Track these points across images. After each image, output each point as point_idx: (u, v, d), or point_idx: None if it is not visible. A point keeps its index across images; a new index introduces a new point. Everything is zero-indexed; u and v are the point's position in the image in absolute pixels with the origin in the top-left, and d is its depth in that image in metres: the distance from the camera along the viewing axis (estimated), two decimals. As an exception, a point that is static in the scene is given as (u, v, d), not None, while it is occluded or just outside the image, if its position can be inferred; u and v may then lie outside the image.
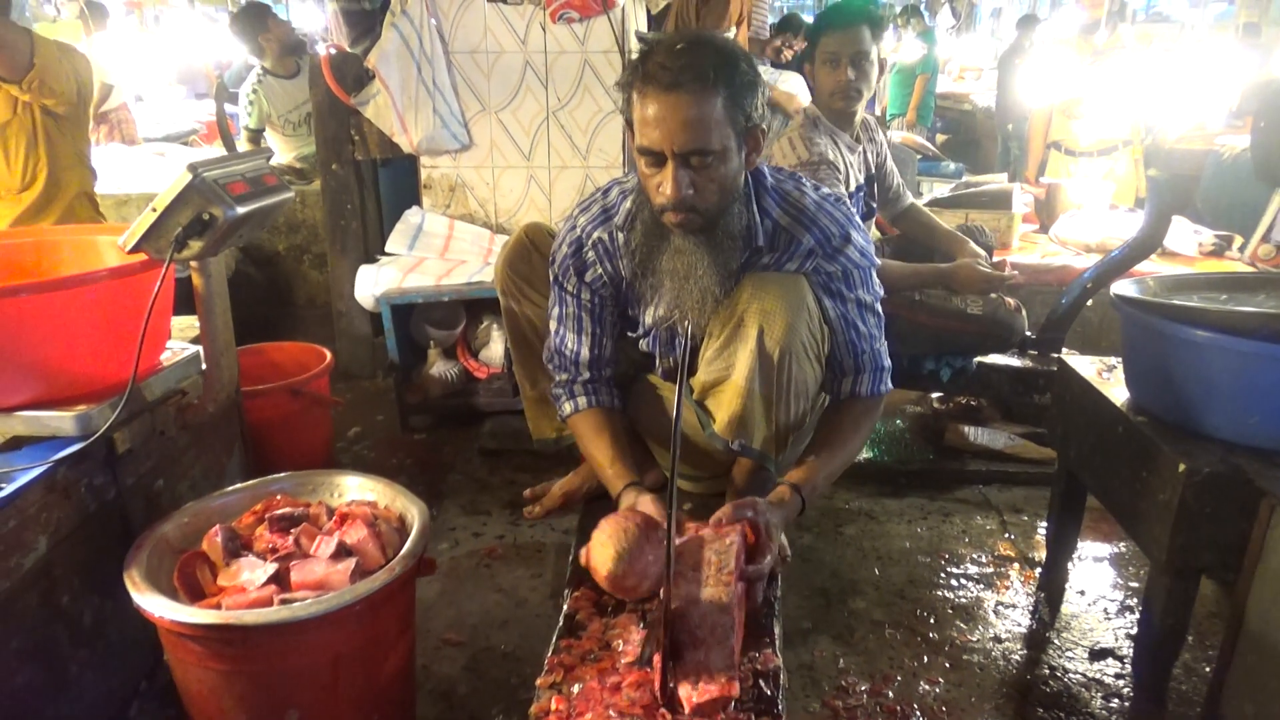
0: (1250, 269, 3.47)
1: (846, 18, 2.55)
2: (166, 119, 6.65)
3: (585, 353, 1.86)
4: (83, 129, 3.04)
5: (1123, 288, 1.84)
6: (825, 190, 1.77)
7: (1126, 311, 1.80)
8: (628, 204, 1.74)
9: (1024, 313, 2.82)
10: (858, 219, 1.78)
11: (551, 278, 1.87)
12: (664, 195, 1.54)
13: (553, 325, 1.90)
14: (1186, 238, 3.57)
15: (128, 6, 8.67)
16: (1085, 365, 2.05)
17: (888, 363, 1.82)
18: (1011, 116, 6.73)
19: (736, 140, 1.55)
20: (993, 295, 2.75)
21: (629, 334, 1.91)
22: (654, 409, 1.97)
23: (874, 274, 1.80)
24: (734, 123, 1.52)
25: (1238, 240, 3.63)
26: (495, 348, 3.25)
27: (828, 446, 1.74)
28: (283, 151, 4.64)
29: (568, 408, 1.89)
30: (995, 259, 2.92)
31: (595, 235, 1.79)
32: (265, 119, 4.56)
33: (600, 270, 1.81)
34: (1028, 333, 2.87)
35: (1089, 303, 2.92)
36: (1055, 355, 2.80)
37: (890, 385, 1.83)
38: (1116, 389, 1.90)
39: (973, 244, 2.86)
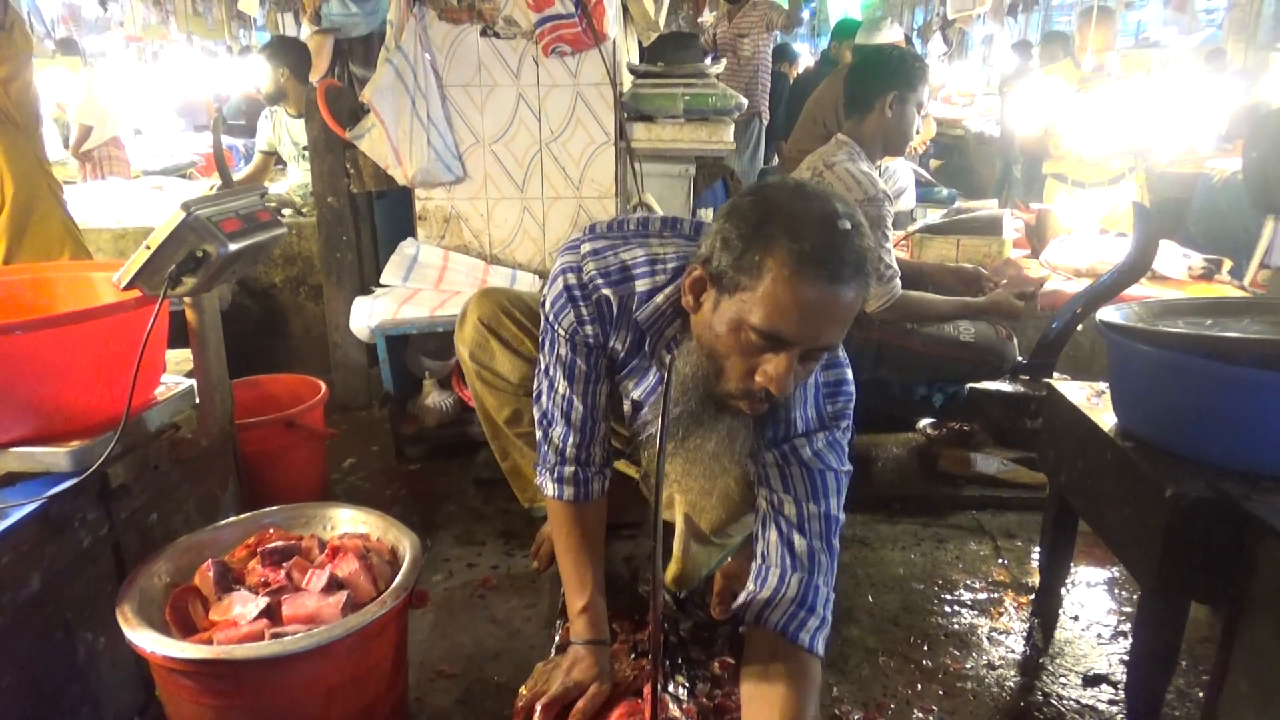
0: (1241, 293, 3.50)
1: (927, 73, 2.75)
2: (165, 152, 6.71)
3: (572, 437, 1.69)
4: (39, 145, 3.07)
5: (1108, 314, 1.85)
6: (837, 373, 1.57)
7: (1112, 337, 1.81)
8: (659, 299, 1.52)
9: (1015, 340, 2.84)
10: (844, 427, 1.58)
11: (544, 327, 1.67)
12: (763, 383, 1.32)
13: (541, 385, 1.70)
14: (1176, 261, 3.59)
15: (127, 41, 8.76)
16: (1074, 390, 2.07)
17: (826, 613, 1.50)
18: (1018, 141, 6.77)
19: None
20: (984, 323, 2.79)
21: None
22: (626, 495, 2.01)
23: (831, 484, 1.54)
24: None
25: (1227, 264, 3.66)
26: (490, 377, 3.26)
27: None
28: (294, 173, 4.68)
29: (550, 489, 1.74)
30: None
31: (604, 292, 1.56)
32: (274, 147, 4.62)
33: (595, 330, 1.60)
34: (1019, 358, 2.88)
35: (1079, 327, 2.93)
36: (1046, 380, 2.81)
37: (821, 650, 1.48)
38: (1105, 414, 1.91)
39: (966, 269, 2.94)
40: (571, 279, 1.57)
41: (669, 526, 1.91)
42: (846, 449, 1.57)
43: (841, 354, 1.56)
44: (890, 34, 5.22)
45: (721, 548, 1.90)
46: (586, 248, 1.58)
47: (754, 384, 1.33)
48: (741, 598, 1.53)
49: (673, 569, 1.88)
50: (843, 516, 1.56)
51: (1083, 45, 4.60)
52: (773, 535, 1.52)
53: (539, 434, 1.74)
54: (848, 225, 1.26)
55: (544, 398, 1.70)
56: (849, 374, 1.58)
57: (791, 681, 1.43)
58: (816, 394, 1.54)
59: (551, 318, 1.62)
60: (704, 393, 1.40)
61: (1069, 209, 4.47)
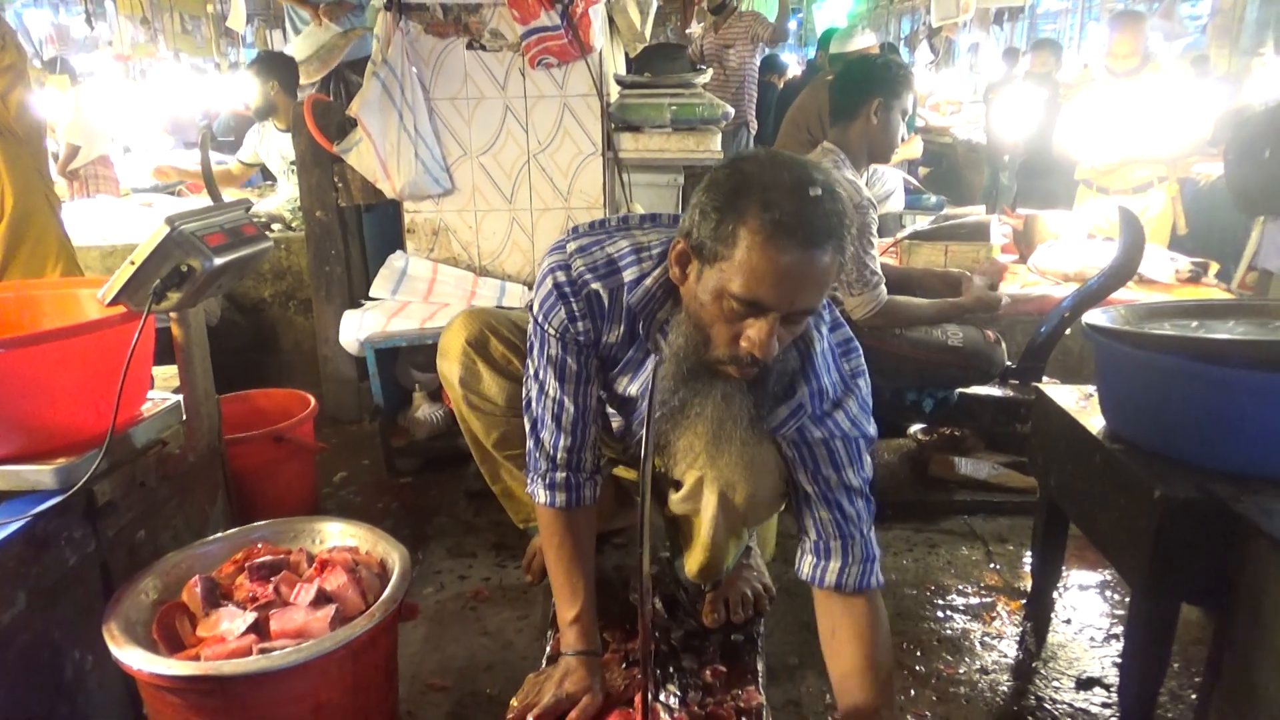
0: (1227, 295, 3.51)
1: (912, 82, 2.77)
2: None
3: (563, 441, 1.68)
4: (40, 159, 3.06)
5: (1095, 317, 1.86)
6: (843, 333, 1.61)
7: (1098, 340, 1.82)
8: (648, 281, 1.53)
9: (1003, 344, 2.85)
10: (864, 384, 1.61)
11: (532, 329, 1.66)
12: (748, 349, 1.35)
13: (531, 390, 1.69)
14: (1163, 265, 3.61)
15: (115, 59, 8.75)
16: (1063, 394, 2.07)
17: (877, 550, 1.62)
18: (1005, 148, 6.79)
19: None
20: (972, 328, 2.80)
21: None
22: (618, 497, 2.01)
23: (864, 448, 1.60)
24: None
25: (1214, 266, 3.67)
26: (481, 389, 3.26)
27: (881, 690, 1.53)
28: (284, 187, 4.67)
29: (541, 496, 1.72)
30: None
31: (593, 287, 1.55)
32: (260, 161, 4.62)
33: (586, 325, 1.58)
34: (1008, 362, 2.89)
35: (1068, 331, 2.94)
36: (1035, 384, 2.82)
37: (882, 579, 1.61)
38: (1093, 417, 1.91)
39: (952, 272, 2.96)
40: (561, 276, 1.57)
41: (672, 522, 1.89)
42: (871, 404, 1.63)
43: (837, 313, 1.62)
44: (863, 40, 5.21)
45: (740, 540, 1.88)
46: (572, 246, 1.59)
47: (740, 350, 1.37)
48: (806, 569, 1.61)
49: (699, 558, 1.80)
50: (872, 472, 1.64)
51: (1112, 52, 4.58)
52: (823, 510, 1.60)
53: (530, 442, 1.73)
54: (819, 191, 1.30)
55: (534, 403, 1.69)
56: (850, 330, 1.64)
57: (875, 622, 1.58)
58: (834, 356, 1.59)
59: (541, 318, 1.61)
60: (695, 361, 1.43)
61: (1095, 215, 4.46)
